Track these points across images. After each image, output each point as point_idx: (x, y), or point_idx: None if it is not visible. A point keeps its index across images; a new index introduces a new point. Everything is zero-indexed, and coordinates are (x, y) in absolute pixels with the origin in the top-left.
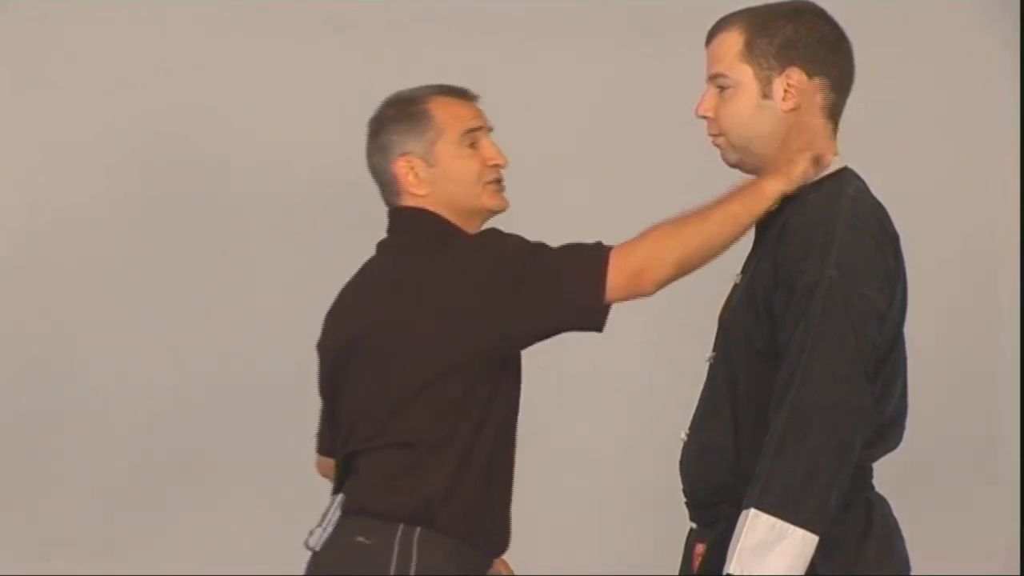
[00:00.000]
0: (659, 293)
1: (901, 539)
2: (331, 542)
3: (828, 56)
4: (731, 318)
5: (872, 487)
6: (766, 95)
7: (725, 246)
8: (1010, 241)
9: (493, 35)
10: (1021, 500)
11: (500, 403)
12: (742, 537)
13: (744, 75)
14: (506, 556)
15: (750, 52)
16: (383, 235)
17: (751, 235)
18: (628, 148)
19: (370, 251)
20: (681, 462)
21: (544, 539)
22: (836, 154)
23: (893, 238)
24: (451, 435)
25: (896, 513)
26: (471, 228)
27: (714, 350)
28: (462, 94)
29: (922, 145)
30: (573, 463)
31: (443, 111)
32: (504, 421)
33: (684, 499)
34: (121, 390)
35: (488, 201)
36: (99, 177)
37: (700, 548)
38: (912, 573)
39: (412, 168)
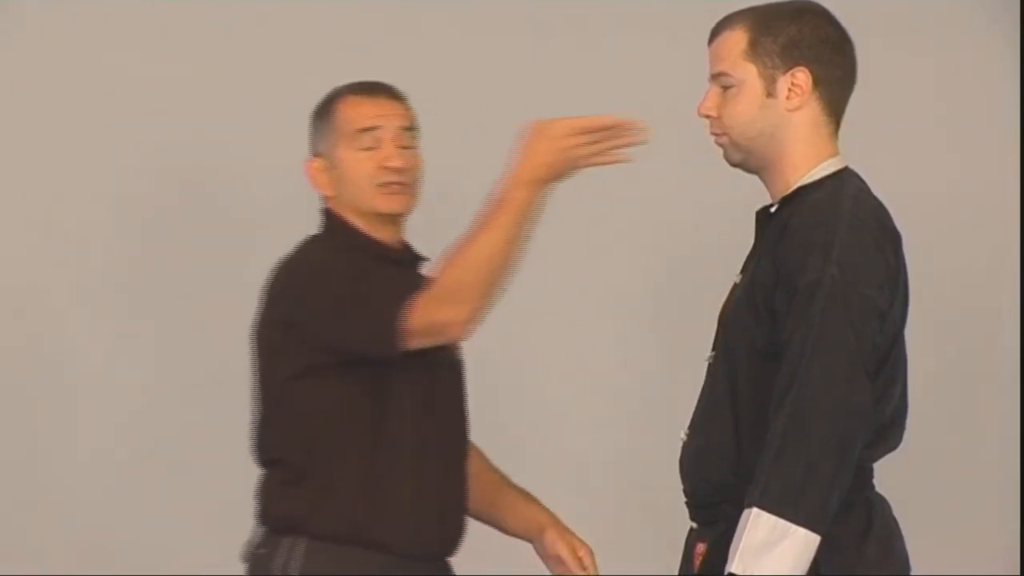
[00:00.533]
0: (658, 293)
1: (901, 539)
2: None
3: (832, 56)
4: (731, 317)
5: (872, 487)
6: (770, 94)
7: (513, 265)
8: (1010, 241)
9: (493, 35)
10: (1021, 500)
11: (365, 409)
12: (744, 537)
13: (748, 74)
14: (508, 555)
15: (754, 51)
16: None
17: (751, 234)
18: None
19: None
20: (681, 462)
21: None
22: (837, 155)
23: (894, 238)
24: (313, 446)
25: (896, 513)
26: (382, 234)
27: (713, 349)
28: (371, 91)
29: (922, 145)
30: (572, 463)
31: (346, 111)
32: (382, 425)
33: (684, 499)
34: (124, 390)
35: (379, 203)
36: (100, 177)
37: (701, 548)
38: (912, 573)
39: (320, 169)
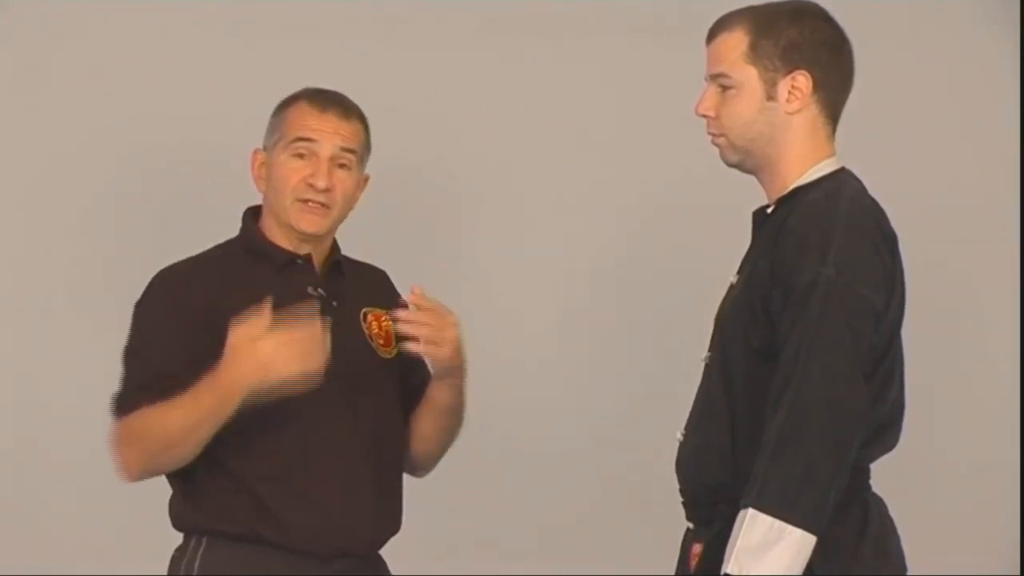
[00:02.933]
0: (654, 293)
1: (897, 539)
2: None
3: (831, 59)
4: (727, 318)
5: (869, 487)
6: (770, 97)
7: (174, 440)
8: (1010, 241)
9: (490, 35)
10: (1021, 500)
11: (238, 416)
12: (740, 537)
13: (748, 76)
14: (501, 554)
15: (755, 53)
16: (387, 233)
17: (748, 234)
18: (622, 146)
19: (371, 250)
20: (677, 462)
21: (541, 539)
22: (834, 155)
23: (890, 239)
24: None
25: (896, 513)
26: (287, 242)
27: (710, 350)
28: (324, 103)
29: (921, 145)
30: (569, 463)
31: (294, 115)
32: (244, 427)
33: (680, 499)
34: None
35: (294, 218)
36: (101, 178)
37: (697, 548)
38: (911, 573)
39: (261, 162)
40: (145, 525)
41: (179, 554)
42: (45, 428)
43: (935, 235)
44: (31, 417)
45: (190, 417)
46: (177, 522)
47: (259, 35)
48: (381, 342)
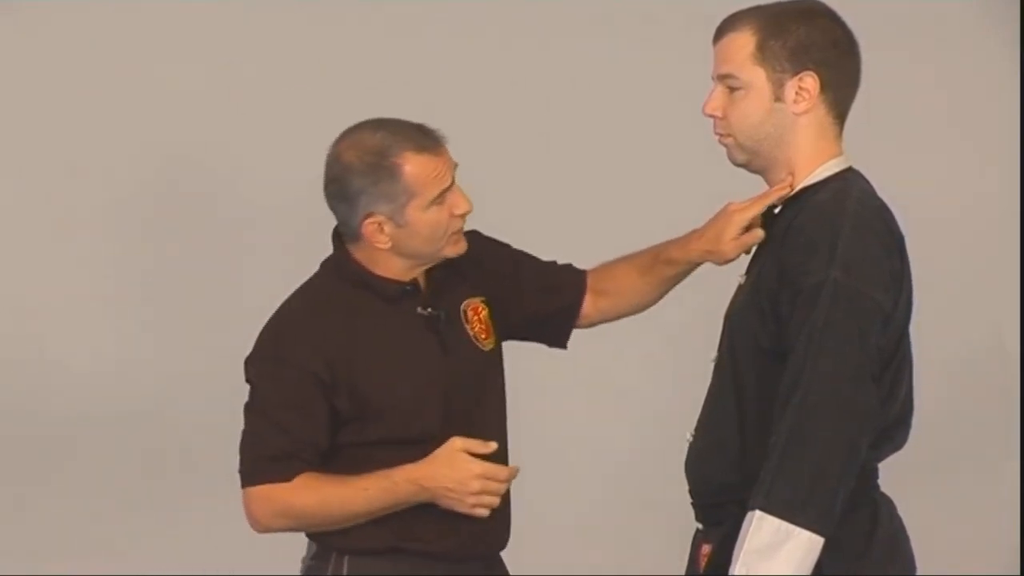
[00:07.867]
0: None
1: (907, 539)
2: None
3: (839, 59)
4: (736, 318)
5: (878, 487)
6: (778, 98)
7: (347, 521)
8: (1010, 241)
9: (490, 35)
10: (1021, 500)
11: (347, 434)
12: (747, 539)
13: (756, 77)
14: (510, 556)
15: (762, 54)
16: None
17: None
18: (628, 145)
19: None
20: (686, 463)
21: (550, 539)
22: (841, 154)
23: (898, 239)
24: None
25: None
26: (402, 270)
27: (719, 350)
28: (429, 145)
29: (922, 145)
30: (579, 464)
31: (415, 170)
32: (378, 457)
33: (690, 500)
34: (123, 390)
35: (449, 250)
36: (100, 178)
37: (706, 548)
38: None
39: (380, 227)
40: (145, 525)
41: (317, 563)
42: (48, 428)
43: (934, 235)
44: (36, 416)
45: (374, 504)
46: (316, 536)
47: (261, 36)
48: (483, 336)
